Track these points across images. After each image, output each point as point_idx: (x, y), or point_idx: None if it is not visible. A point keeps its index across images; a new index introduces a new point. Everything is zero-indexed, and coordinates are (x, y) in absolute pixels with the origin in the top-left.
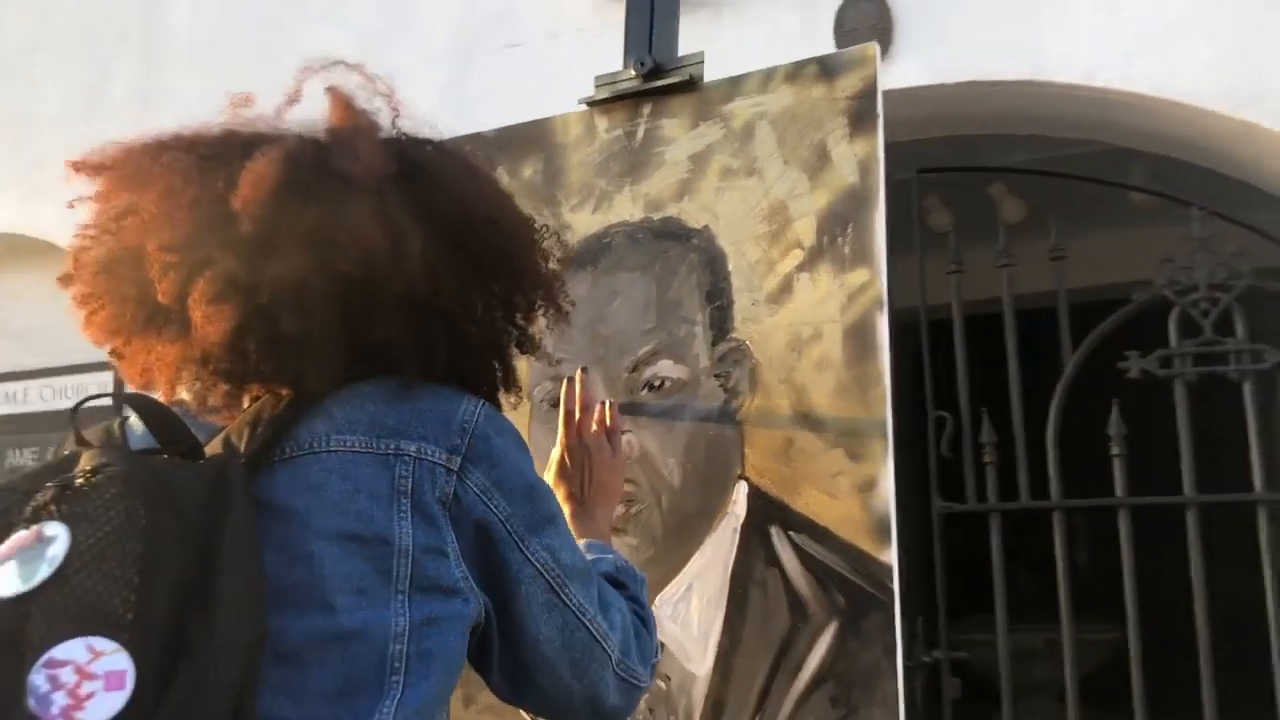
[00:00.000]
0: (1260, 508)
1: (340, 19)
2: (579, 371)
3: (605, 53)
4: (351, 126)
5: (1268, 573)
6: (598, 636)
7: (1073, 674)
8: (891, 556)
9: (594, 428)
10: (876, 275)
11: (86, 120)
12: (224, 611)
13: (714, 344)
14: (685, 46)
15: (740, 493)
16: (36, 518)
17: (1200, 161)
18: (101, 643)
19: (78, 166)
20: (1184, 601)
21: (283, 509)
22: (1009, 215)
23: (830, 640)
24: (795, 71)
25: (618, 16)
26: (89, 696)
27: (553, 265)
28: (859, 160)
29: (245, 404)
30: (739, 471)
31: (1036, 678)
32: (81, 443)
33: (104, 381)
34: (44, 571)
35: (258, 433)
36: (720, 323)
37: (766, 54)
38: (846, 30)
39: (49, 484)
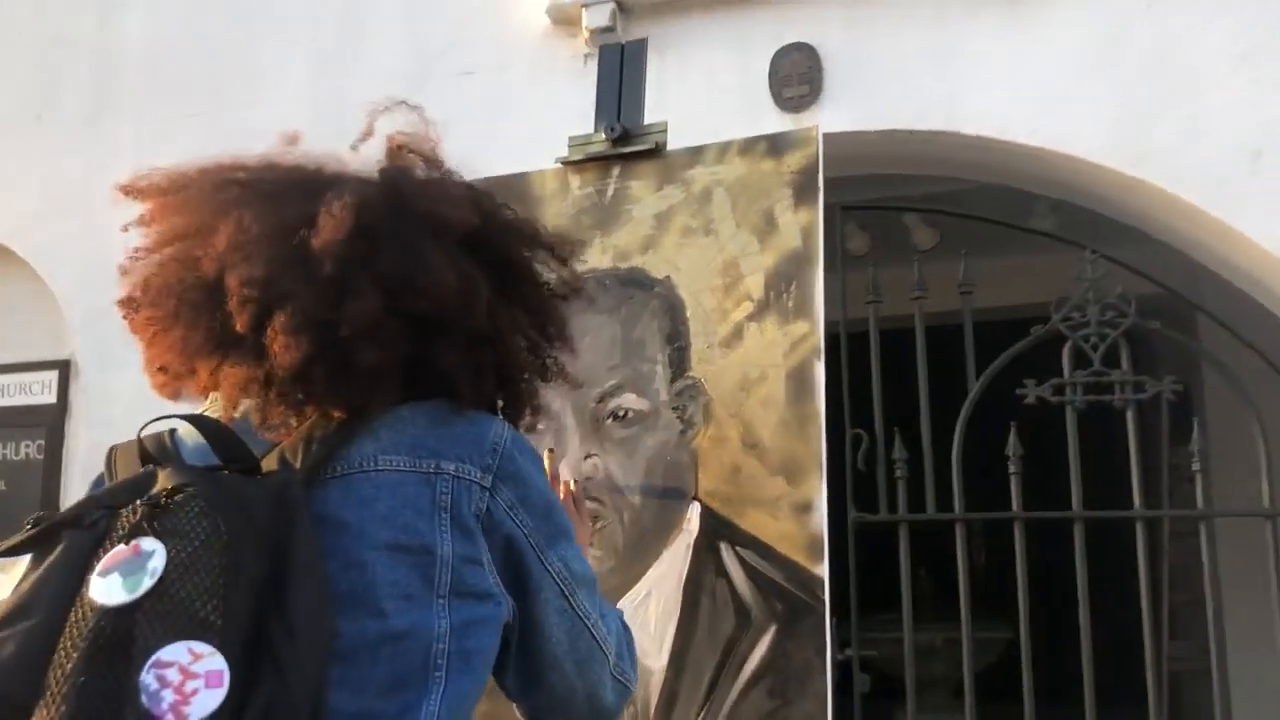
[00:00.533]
0: (1138, 523)
1: (295, 39)
2: (547, 451)
3: (552, 83)
4: (441, 176)
5: (1143, 580)
6: (598, 640)
7: (970, 670)
8: (823, 570)
9: (562, 494)
10: (815, 328)
11: (36, 124)
12: (299, 615)
13: (672, 381)
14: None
15: (694, 512)
16: (134, 534)
17: (1095, 208)
18: (200, 646)
19: (127, 190)
20: (1071, 605)
21: (336, 521)
22: (921, 241)
23: (770, 641)
24: (748, 146)
25: (565, 50)
26: (194, 693)
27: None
28: (802, 228)
29: (296, 423)
30: (693, 493)
31: (935, 674)
32: (147, 458)
33: (25, 382)
34: (147, 583)
35: (312, 451)
36: (678, 362)
37: (709, 95)
38: (780, 77)
39: (138, 502)
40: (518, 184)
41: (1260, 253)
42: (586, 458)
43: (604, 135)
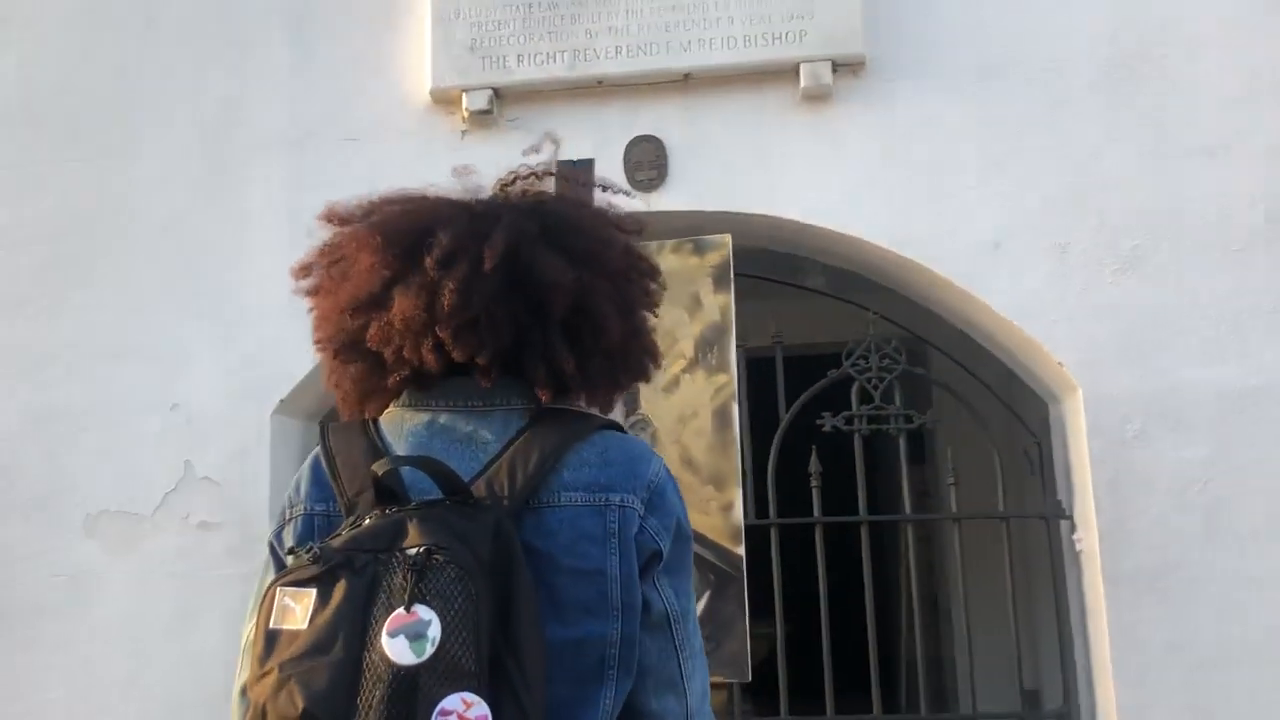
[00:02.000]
0: (908, 525)
1: (177, 98)
2: None
3: (433, 155)
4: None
5: (912, 573)
6: (683, 674)
7: (784, 666)
8: (741, 551)
9: None
10: (732, 379)
11: None
12: (525, 650)
13: (627, 415)
14: (501, 162)
15: None
16: (413, 600)
17: (874, 277)
18: (469, 696)
19: (336, 217)
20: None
21: (531, 549)
22: None
23: (705, 602)
24: (678, 245)
25: (445, 126)
26: None
27: None
28: (720, 307)
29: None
30: None
31: None
32: (389, 496)
33: None
34: (429, 650)
35: (516, 485)
36: (631, 402)
37: None
38: (633, 161)
39: (399, 556)
40: None
41: (995, 317)
42: None
43: None
